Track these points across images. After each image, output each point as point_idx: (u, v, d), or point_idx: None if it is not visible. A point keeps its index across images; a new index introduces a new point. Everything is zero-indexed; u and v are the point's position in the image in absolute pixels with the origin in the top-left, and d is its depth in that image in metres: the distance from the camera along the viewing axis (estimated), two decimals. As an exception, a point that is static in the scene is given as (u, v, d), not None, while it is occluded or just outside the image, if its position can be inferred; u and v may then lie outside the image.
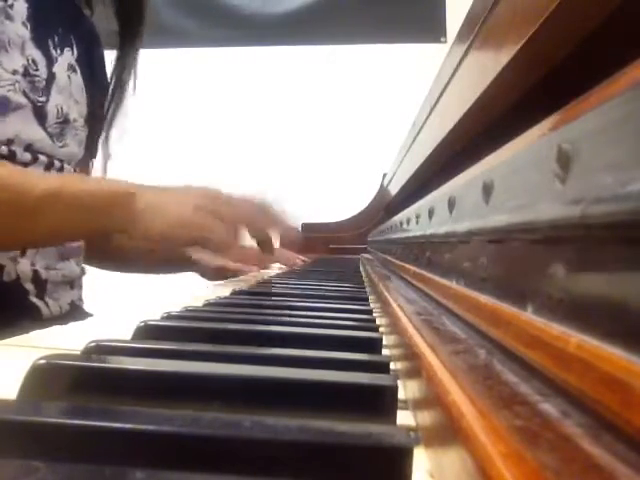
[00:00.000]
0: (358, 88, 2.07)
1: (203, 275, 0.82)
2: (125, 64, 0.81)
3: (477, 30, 0.30)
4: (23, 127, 0.65)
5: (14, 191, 0.55)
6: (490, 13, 0.28)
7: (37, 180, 0.57)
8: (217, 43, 2.14)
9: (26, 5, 0.66)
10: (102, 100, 0.81)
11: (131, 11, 0.79)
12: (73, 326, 0.43)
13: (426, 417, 0.20)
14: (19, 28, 0.65)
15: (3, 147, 0.62)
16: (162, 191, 0.64)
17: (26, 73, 0.65)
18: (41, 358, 0.23)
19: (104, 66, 0.84)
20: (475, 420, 0.14)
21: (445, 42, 2.00)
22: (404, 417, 0.23)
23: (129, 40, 0.81)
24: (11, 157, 0.62)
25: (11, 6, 0.64)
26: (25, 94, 0.65)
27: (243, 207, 0.69)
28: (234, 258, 0.67)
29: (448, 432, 0.15)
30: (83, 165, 0.79)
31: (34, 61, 0.67)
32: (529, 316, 0.18)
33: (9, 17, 0.63)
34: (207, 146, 2.11)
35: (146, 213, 0.60)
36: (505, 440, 0.12)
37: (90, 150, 0.81)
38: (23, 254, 0.67)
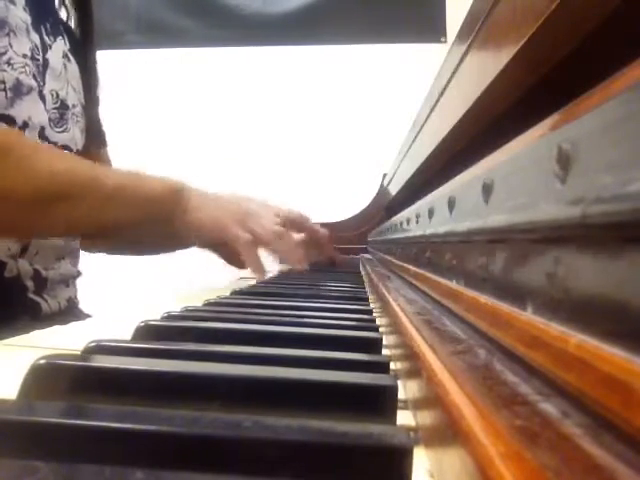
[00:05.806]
0: (358, 88, 2.07)
1: (228, 261, 0.82)
2: (87, 66, 0.84)
3: (477, 30, 0.30)
4: (34, 110, 0.66)
5: (88, 185, 0.60)
6: (490, 13, 0.28)
7: (107, 173, 0.64)
8: (217, 43, 2.14)
9: None
10: (96, 91, 0.83)
11: (83, 20, 0.83)
12: (73, 326, 0.43)
13: (426, 417, 0.20)
14: (21, 13, 0.66)
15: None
16: (207, 195, 0.72)
17: (33, 57, 0.67)
18: (41, 358, 0.23)
19: (96, 61, 0.86)
20: (475, 420, 0.14)
21: (445, 42, 2.00)
22: (404, 417, 0.23)
23: (85, 45, 0.84)
24: None
25: None
26: (34, 77, 0.67)
27: (269, 230, 0.74)
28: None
29: (448, 432, 0.15)
30: (88, 152, 0.80)
31: (36, 46, 0.68)
32: (529, 316, 0.18)
33: (12, 2, 0.65)
34: (207, 146, 2.10)
35: (190, 209, 0.68)
36: (505, 440, 0.12)
37: (94, 138, 0.83)
38: (22, 255, 0.67)
